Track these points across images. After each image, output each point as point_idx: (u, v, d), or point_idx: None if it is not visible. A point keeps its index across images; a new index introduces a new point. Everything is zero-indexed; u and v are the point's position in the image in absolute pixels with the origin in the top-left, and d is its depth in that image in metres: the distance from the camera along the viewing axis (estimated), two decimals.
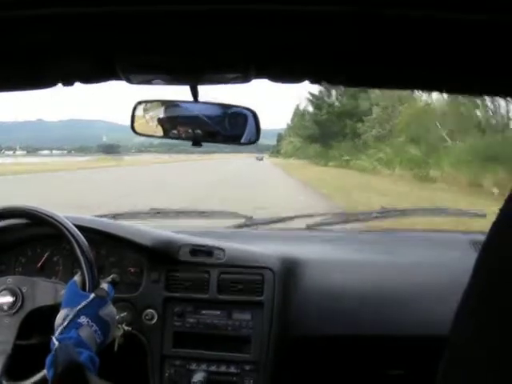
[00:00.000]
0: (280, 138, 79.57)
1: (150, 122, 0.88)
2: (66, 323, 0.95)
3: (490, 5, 0.39)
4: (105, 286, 1.06)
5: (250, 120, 0.84)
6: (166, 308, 1.32)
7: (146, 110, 0.88)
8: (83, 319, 0.96)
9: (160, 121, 0.87)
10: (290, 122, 66.05)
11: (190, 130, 0.83)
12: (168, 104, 0.86)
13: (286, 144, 61.18)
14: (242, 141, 0.86)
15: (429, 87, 0.70)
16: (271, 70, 0.60)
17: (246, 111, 0.84)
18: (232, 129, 0.85)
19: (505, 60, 0.50)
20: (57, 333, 0.94)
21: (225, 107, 0.83)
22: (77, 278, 1.08)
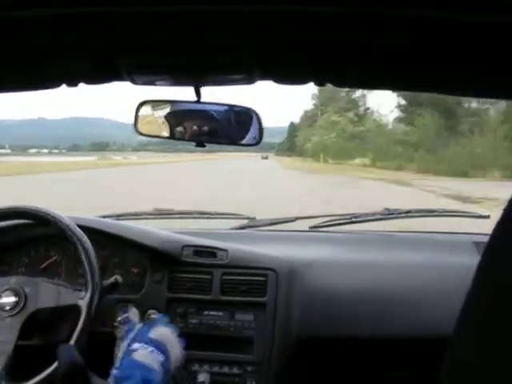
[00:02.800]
0: (293, 129, 63.20)
1: (153, 123, 0.88)
2: (121, 354, 0.97)
3: (490, 5, 0.39)
4: (154, 315, 1.10)
5: (251, 120, 0.84)
6: (168, 309, 1.32)
7: (149, 111, 0.88)
8: (136, 345, 0.97)
9: (164, 121, 0.87)
10: (316, 93, 44.49)
11: (195, 130, 0.83)
12: (172, 104, 0.86)
13: (317, 132, 37.29)
14: (246, 142, 0.85)
15: (430, 88, 0.70)
16: (275, 72, 0.60)
17: (249, 111, 0.84)
18: (238, 129, 0.85)
19: (505, 60, 0.50)
20: (116, 363, 0.95)
21: (229, 107, 0.83)
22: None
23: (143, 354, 0.95)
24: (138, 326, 1.04)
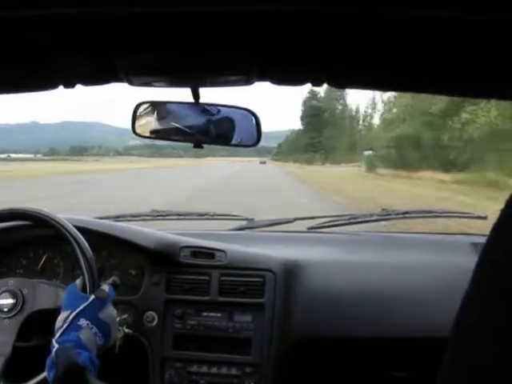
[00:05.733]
0: (314, 107, 36.67)
1: (150, 124, 0.88)
2: (65, 326, 0.95)
3: (490, 5, 0.39)
4: (105, 287, 1.06)
5: (249, 121, 0.84)
6: (166, 310, 1.32)
7: (146, 112, 0.88)
8: (83, 321, 0.96)
9: (162, 122, 0.87)
10: None
11: (193, 131, 0.83)
12: (170, 105, 0.86)
13: None
14: (244, 143, 0.85)
15: (430, 88, 0.70)
16: (273, 73, 0.60)
17: (247, 112, 0.84)
18: (235, 131, 0.85)
19: (505, 60, 0.50)
20: (57, 335, 0.94)
21: (227, 108, 0.83)
22: (77, 281, 1.08)
23: (87, 334, 0.95)
24: (90, 299, 1.01)
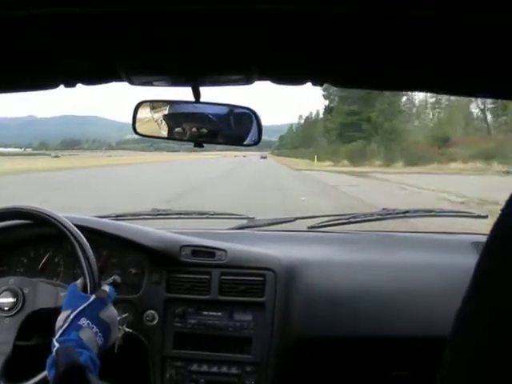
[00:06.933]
0: None
1: (151, 123, 0.88)
2: (66, 325, 0.95)
3: (490, 5, 0.39)
4: (106, 287, 1.06)
5: (253, 120, 0.84)
6: (166, 309, 1.32)
7: (148, 111, 0.88)
8: (83, 321, 0.96)
9: (162, 121, 0.86)
10: None
11: (194, 130, 0.83)
12: (171, 104, 0.86)
13: None
14: (245, 142, 0.85)
15: (431, 88, 0.70)
16: (274, 72, 0.60)
17: (247, 111, 0.84)
18: (236, 130, 0.85)
19: (505, 60, 0.50)
20: (57, 335, 0.94)
21: (228, 107, 0.83)
22: (78, 281, 1.08)
23: (88, 334, 0.95)
24: (91, 298, 1.02)
